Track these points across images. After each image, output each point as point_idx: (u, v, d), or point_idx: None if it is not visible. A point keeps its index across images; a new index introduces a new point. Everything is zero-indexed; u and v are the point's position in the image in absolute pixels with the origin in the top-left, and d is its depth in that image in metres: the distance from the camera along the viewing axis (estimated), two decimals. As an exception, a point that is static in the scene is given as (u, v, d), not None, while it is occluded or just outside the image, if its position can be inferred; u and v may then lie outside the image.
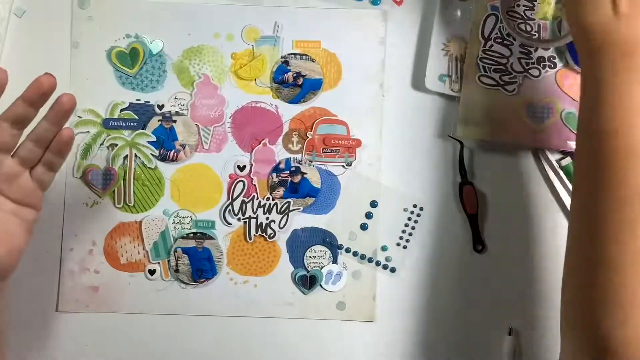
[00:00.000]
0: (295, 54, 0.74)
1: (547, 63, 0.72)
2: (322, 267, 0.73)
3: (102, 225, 0.73)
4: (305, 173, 0.74)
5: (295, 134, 0.74)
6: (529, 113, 0.71)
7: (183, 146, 0.73)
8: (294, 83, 0.74)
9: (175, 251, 0.73)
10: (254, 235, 0.73)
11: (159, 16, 0.74)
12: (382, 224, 0.74)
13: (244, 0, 0.74)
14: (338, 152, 0.74)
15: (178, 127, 0.73)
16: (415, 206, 0.74)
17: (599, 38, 0.55)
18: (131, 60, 0.74)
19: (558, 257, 0.73)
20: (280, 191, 0.73)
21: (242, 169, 0.74)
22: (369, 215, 0.74)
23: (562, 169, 0.73)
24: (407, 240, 0.74)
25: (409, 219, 0.74)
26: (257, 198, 0.74)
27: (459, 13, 0.73)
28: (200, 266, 0.73)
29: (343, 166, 0.74)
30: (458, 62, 0.73)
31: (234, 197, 0.74)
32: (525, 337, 0.73)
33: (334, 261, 0.73)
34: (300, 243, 0.74)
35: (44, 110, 0.57)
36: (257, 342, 0.73)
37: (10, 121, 0.56)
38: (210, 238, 0.73)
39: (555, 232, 0.74)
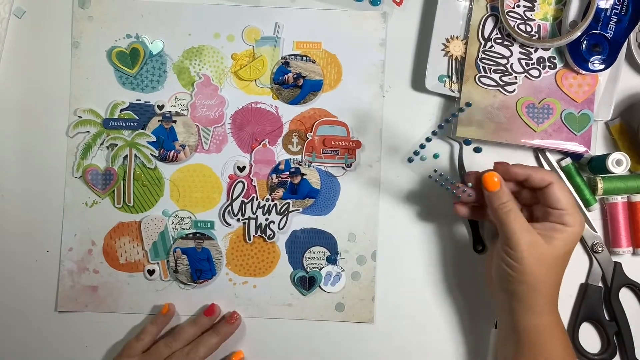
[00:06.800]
0: (295, 55, 0.74)
1: (547, 63, 0.72)
2: (321, 268, 0.73)
3: (101, 225, 0.73)
4: (305, 174, 0.74)
5: (295, 135, 0.74)
6: (529, 113, 0.71)
7: (183, 146, 0.73)
8: (294, 84, 0.74)
9: (175, 251, 0.73)
10: (254, 236, 0.73)
11: (159, 16, 0.74)
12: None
13: (245, 0, 0.75)
14: (338, 153, 0.74)
15: (178, 127, 0.73)
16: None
17: None
18: (131, 61, 0.74)
19: (559, 258, 0.73)
20: (280, 192, 0.73)
21: (241, 169, 0.74)
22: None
23: (562, 169, 0.72)
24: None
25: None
26: (257, 199, 0.73)
27: (458, 14, 0.73)
28: (200, 266, 0.73)
29: (343, 167, 0.74)
30: (458, 62, 0.72)
31: (234, 197, 0.73)
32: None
33: (334, 262, 0.73)
34: (299, 244, 0.73)
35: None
36: (256, 343, 0.73)
37: None
38: (210, 238, 0.73)
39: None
